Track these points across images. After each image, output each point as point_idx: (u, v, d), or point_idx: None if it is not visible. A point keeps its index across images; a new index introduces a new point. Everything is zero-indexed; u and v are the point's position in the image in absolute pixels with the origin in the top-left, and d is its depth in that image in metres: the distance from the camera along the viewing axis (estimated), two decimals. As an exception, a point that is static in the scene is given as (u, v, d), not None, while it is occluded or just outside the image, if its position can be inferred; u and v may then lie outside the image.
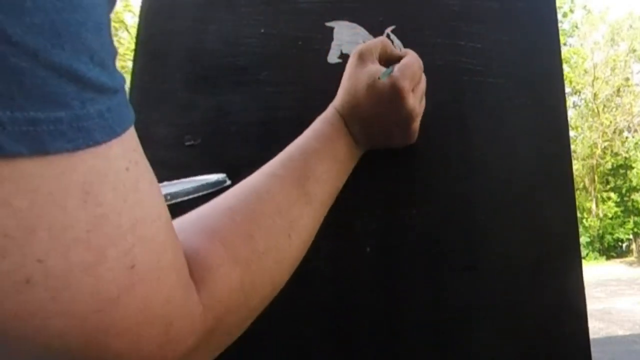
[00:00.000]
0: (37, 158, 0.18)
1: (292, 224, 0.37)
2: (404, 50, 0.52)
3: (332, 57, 0.57)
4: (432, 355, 0.51)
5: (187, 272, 0.26)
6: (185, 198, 0.47)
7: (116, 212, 0.21)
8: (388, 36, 0.57)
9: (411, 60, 0.48)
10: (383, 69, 0.46)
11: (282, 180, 0.39)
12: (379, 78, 0.45)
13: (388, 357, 0.50)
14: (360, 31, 0.57)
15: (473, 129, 0.55)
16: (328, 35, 0.57)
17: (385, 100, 0.46)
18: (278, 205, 0.37)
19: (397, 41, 0.57)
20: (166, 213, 0.25)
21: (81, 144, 0.20)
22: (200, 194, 0.48)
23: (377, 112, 0.47)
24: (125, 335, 0.22)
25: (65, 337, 0.20)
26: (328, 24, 0.57)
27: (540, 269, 0.53)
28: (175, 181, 0.49)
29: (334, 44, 0.57)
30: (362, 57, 0.48)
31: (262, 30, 0.57)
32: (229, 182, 0.50)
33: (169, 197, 0.46)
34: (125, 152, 0.22)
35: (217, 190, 0.48)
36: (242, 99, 0.56)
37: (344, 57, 0.56)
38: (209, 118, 0.56)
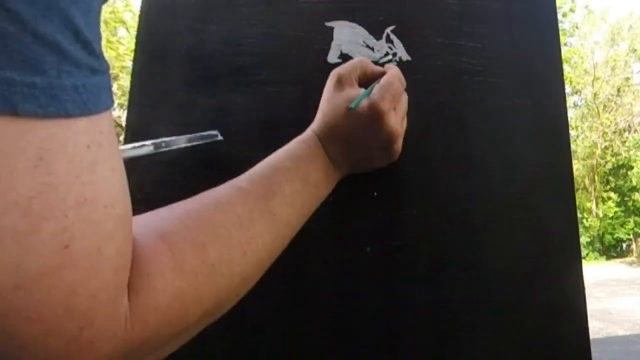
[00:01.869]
0: (3, 116, 0.18)
1: (250, 240, 0.34)
2: (386, 66, 0.51)
3: (332, 57, 0.57)
4: (432, 355, 0.51)
5: (127, 274, 0.24)
6: (178, 146, 0.48)
7: (65, 186, 0.20)
8: (388, 36, 0.57)
9: (391, 78, 0.46)
10: (361, 92, 0.45)
11: (246, 193, 0.37)
12: (350, 108, 0.43)
13: (388, 356, 0.50)
14: (360, 31, 0.57)
15: (473, 129, 0.55)
16: (328, 35, 0.57)
17: (364, 124, 0.45)
18: (238, 218, 0.34)
19: (397, 41, 0.57)
20: (125, 205, 0.24)
21: (51, 111, 0.20)
22: (193, 144, 0.49)
23: (356, 136, 0.46)
24: (38, 323, 0.20)
25: None
26: (328, 24, 0.57)
27: (540, 269, 0.53)
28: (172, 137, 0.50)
29: (334, 44, 0.57)
30: (340, 81, 0.47)
31: (262, 30, 0.57)
32: (220, 138, 0.50)
33: (163, 145, 0.47)
34: (90, 131, 0.21)
35: (208, 142, 0.49)
36: (242, 99, 0.56)
37: (344, 57, 0.56)
38: (209, 118, 0.56)
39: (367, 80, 0.49)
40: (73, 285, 0.21)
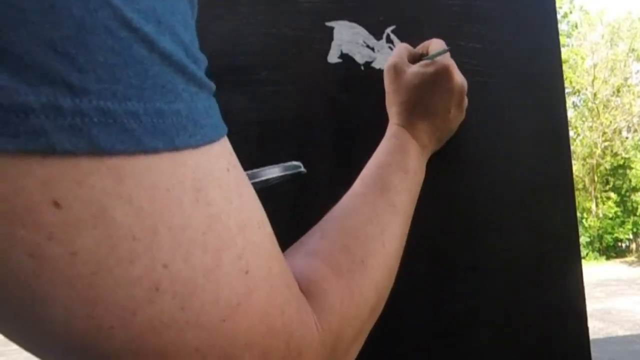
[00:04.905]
0: (162, 153, 0.17)
1: (383, 232, 0.37)
2: (425, 43, 0.53)
3: (332, 57, 0.57)
4: (432, 355, 0.51)
5: (296, 284, 0.25)
6: (262, 178, 0.46)
7: (225, 213, 0.19)
8: (388, 36, 0.57)
9: (438, 44, 0.50)
10: (420, 67, 0.48)
11: (365, 195, 0.40)
12: (446, 50, 0.46)
13: (388, 356, 0.50)
14: (360, 31, 0.57)
15: (473, 129, 0.55)
16: (328, 35, 0.57)
17: (437, 86, 0.47)
18: (366, 217, 0.37)
19: (397, 41, 0.57)
20: (268, 223, 0.23)
21: (199, 140, 0.18)
22: (284, 174, 0.48)
23: (434, 103, 0.48)
24: (255, 348, 0.20)
25: (201, 352, 0.18)
26: (328, 24, 0.57)
27: (540, 269, 0.53)
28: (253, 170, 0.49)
29: (334, 44, 0.57)
30: (397, 69, 0.49)
31: (262, 30, 0.57)
32: (304, 170, 0.50)
33: (250, 175, 0.46)
34: (224, 153, 0.21)
35: (294, 174, 0.49)
36: (242, 99, 0.56)
37: (344, 57, 0.56)
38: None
39: (414, 59, 0.51)
40: (264, 306, 0.21)
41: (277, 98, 0.56)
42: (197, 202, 0.18)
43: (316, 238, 0.34)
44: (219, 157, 0.20)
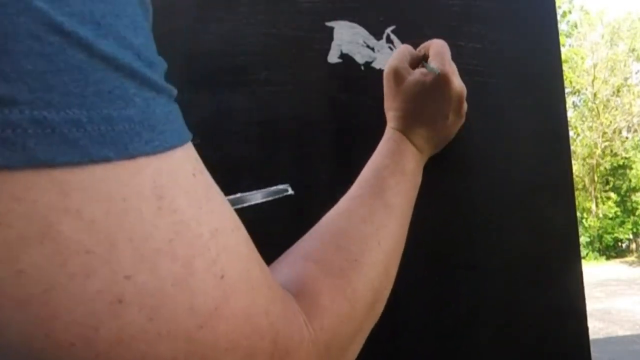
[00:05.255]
0: (116, 162, 0.16)
1: (378, 231, 0.37)
2: (426, 43, 0.53)
3: (332, 57, 0.57)
4: (433, 354, 0.51)
5: (279, 286, 0.25)
6: (249, 203, 0.47)
7: (194, 220, 0.19)
8: (388, 36, 0.57)
9: (440, 48, 0.49)
10: (420, 75, 0.48)
11: (361, 196, 0.40)
12: (437, 73, 0.46)
13: (388, 356, 0.50)
14: (360, 31, 0.57)
15: (473, 129, 0.55)
16: (328, 35, 0.57)
17: (437, 94, 0.47)
18: (361, 217, 0.37)
19: (397, 41, 0.57)
20: (243, 227, 0.23)
21: (157, 146, 0.18)
22: (268, 199, 0.48)
23: (433, 110, 0.48)
24: (239, 350, 0.20)
25: None
26: (328, 24, 0.57)
27: (540, 269, 0.53)
28: (237, 195, 0.48)
29: (334, 44, 0.57)
30: (397, 73, 0.49)
31: (262, 30, 0.57)
32: (291, 192, 0.50)
33: (237, 202, 0.46)
34: (188, 159, 0.20)
35: (279, 197, 0.49)
36: (242, 99, 0.56)
37: (344, 57, 0.56)
38: (209, 118, 0.56)
39: (415, 61, 0.51)
40: (245, 308, 0.20)
41: (277, 98, 0.56)
42: (160, 210, 0.18)
43: (310, 240, 0.34)
44: (184, 162, 0.19)
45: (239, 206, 0.44)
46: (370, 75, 0.56)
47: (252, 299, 0.21)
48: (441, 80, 0.46)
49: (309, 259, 0.31)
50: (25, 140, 0.15)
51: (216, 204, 0.21)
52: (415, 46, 0.53)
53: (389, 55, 0.57)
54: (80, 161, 0.15)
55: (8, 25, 0.14)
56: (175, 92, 0.20)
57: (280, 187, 0.49)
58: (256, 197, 0.47)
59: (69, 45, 0.15)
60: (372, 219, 0.37)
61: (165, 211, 0.18)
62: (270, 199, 0.48)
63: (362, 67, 0.57)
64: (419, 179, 0.48)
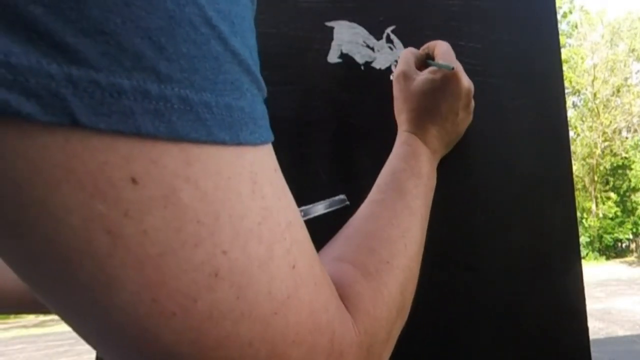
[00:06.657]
0: (228, 146, 0.18)
1: (404, 234, 0.37)
2: (429, 44, 0.53)
3: (332, 57, 0.57)
4: (433, 354, 0.51)
5: (334, 287, 0.25)
6: (313, 215, 0.47)
7: (276, 209, 0.20)
8: (388, 36, 0.57)
9: (444, 46, 0.50)
10: (429, 74, 0.48)
11: (383, 200, 0.40)
12: (452, 68, 0.46)
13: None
14: (360, 31, 0.57)
15: (473, 128, 0.55)
16: (328, 35, 0.57)
17: (446, 92, 0.48)
18: (387, 220, 0.38)
19: (397, 41, 0.57)
20: (305, 226, 0.24)
21: (257, 138, 0.19)
22: (329, 210, 0.49)
23: (443, 108, 0.48)
24: (303, 344, 0.20)
25: (254, 346, 0.18)
26: (328, 24, 0.57)
27: (540, 269, 0.53)
28: (301, 207, 0.49)
29: (334, 44, 0.57)
30: (407, 76, 0.49)
31: (262, 30, 0.57)
32: (347, 203, 0.51)
33: (302, 214, 0.46)
34: (272, 155, 0.21)
35: (339, 208, 0.50)
36: (242, 99, 0.56)
37: (344, 57, 0.56)
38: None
39: (421, 63, 0.52)
40: (310, 302, 0.21)
41: (277, 98, 0.56)
42: (254, 194, 0.19)
43: (340, 243, 0.34)
44: (269, 157, 0.21)
45: (305, 218, 0.45)
46: (370, 75, 0.56)
47: (316, 294, 0.21)
48: (451, 77, 0.47)
49: (344, 260, 0.31)
50: (171, 114, 0.16)
51: (289, 200, 0.22)
52: (415, 46, 0.53)
53: (389, 55, 0.57)
54: (206, 140, 0.17)
55: (177, 12, 0.16)
56: (266, 93, 0.22)
57: (340, 197, 0.50)
58: (318, 208, 0.48)
59: (213, 37, 0.17)
60: (398, 222, 0.38)
61: (257, 195, 0.19)
62: (332, 209, 0.49)
63: (362, 67, 0.57)
64: (434, 181, 0.48)
